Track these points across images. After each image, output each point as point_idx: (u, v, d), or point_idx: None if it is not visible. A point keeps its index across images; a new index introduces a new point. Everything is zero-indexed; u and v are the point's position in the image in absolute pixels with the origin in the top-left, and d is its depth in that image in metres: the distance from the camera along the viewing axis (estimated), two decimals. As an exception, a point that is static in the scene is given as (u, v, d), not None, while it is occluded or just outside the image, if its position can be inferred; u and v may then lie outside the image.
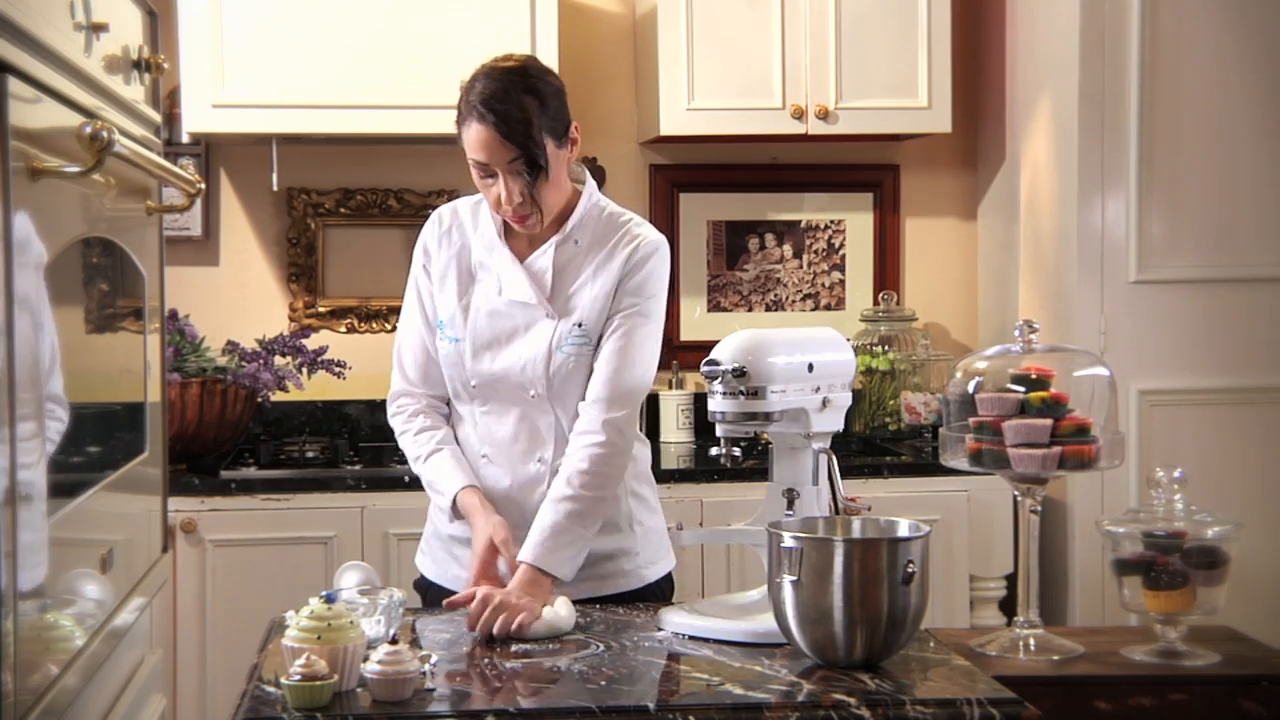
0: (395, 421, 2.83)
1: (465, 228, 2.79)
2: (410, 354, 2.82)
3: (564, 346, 2.70)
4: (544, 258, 2.72)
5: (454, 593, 2.70)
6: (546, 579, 2.56)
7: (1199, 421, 4.09)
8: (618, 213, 2.78)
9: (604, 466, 2.64)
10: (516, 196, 2.61)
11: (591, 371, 2.71)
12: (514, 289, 2.72)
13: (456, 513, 2.72)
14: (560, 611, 2.48)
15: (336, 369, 4.16)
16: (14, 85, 1.73)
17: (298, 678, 2.04)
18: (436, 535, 2.85)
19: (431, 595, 2.83)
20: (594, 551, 2.68)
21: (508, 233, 2.75)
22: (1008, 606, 3.96)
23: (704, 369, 2.46)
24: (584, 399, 2.70)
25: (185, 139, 4.22)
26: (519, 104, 2.58)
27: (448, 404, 2.84)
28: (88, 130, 1.91)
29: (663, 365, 3.29)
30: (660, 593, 2.83)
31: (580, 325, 2.71)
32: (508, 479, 2.75)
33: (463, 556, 2.77)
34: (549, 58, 3.97)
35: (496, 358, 2.73)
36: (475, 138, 2.60)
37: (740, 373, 2.44)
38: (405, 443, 2.81)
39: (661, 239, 2.77)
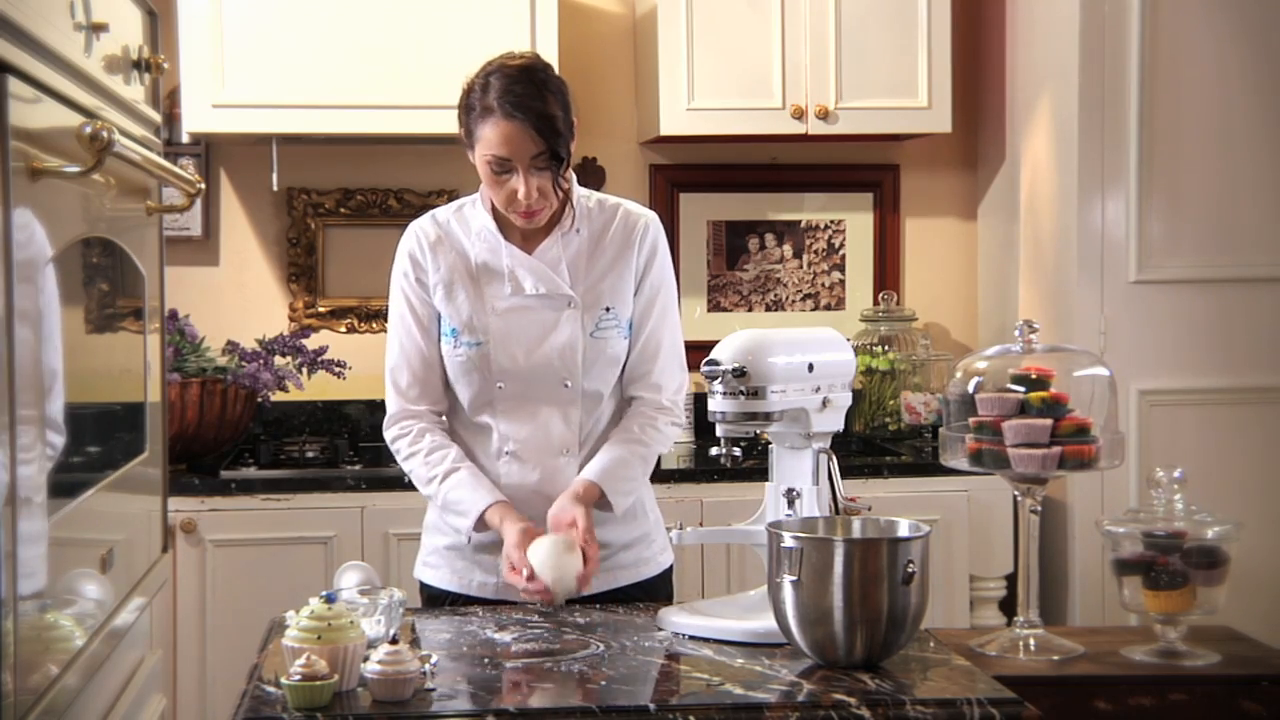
0: (400, 444, 2.78)
1: (455, 236, 2.80)
2: (406, 371, 2.80)
3: (596, 332, 2.75)
4: (554, 250, 2.76)
5: (479, 599, 2.74)
6: (594, 497, 2.68)
7: (1199, 421, 4.09)
8: (604, 198, 2.85)
9: (671, 433, 2.83)
10: (535, 191, 2.64)
11: (622, 354, 2.79)
12: (536, 283, 2.74)
13: (481, 525, 2.70)
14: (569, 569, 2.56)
15: (336, 369, 4.16)
16: (14, 85, 1.73)
17: (298, 678, 2.04)
18: (453, 547, 2.82)
19: (451, 604, 2.82)
20: (621, 539, 2.79)
21: (502, 232, 2.77)
22: (1008, 606, 3.96)
23: (704, 369, 2.47)
24: (622, 382, 2.81)
25: (185, 139, 4.22)
26: (544, 100, 2.63)
27: (442, 416, 2.83)
28: (88, 130, 1.91)
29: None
30: (666, 582, 2.89)
31: (609, 309, 2.77)
32: (536, 473, 2.76)
33: (486, 561, 2.77)
34: (549, 58, 3.96)
35: (527, 354, 2.75)
36: (500, 134, 2.62)
37: (740, 373, 2.44)
38: (415, 464, 2.76)
39: (654, 214, 2.88)
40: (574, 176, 2.82)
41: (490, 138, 2.63)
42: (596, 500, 2.69)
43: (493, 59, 2.70)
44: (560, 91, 2.66)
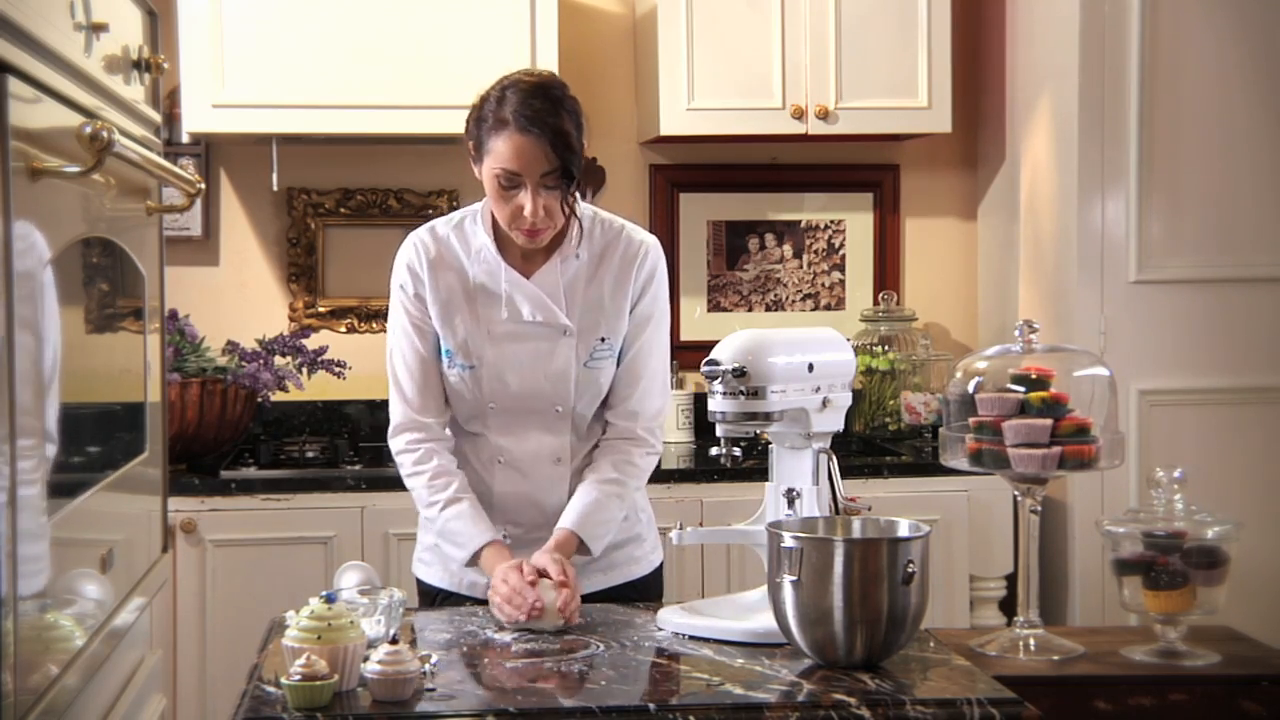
0: (404, 459, 2.76)
1: (455, 253, 2.76)
2: (409, 380, 2.76)
3: (590, 362, 2.73)
4: (552, 274, 2.73)
5: (471, 599, 2.75)
6: (573, 546, 2.66)
7: (1199, 421, 4.09)
8: (608, 219, 2.81)
9: (648, 464, 2.80)
10: (541, 210, 2.61)
11: (612, 381, 2.77)
12: (533, 310, 2.71)
13: (474, 560, 2.69)
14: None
15: (336, 369, 4.16)
16: (14, 85, 1.73)
17: (298, 678, 2.04)
18: None
19: (442, 601, 2.82)
20: (615, 540, 2.77)
21: (501, 252, 2.74)
22: (1008, 606, 3.96)
23: (704, 369, 2.47)
24: (611, 408, 2.78)
25: (185, 139, 4.22)
26: (559, 116, 2.59)
27: (446, 427, 2.82)
28: (88, 130, 1.91)
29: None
30: (658, 580, 2.90)
31: (604, 340, 2.75)
32: (528, 482, 2.76)
33: None
34: (549, 58, 3.98)
35: (520, 379, 2.73)
36: (512, 148, 2.58)
37: (740, 373, 2.44)
38: (417, 484, 2.74)
39: (655, 239, 2.83)
40: (579, 197, 2.80)
41: (502, 151, 2.59)
42: (576, 547, 2.68)
43: (509, 74, 2.67)
44: (574, 111, 2.63)
